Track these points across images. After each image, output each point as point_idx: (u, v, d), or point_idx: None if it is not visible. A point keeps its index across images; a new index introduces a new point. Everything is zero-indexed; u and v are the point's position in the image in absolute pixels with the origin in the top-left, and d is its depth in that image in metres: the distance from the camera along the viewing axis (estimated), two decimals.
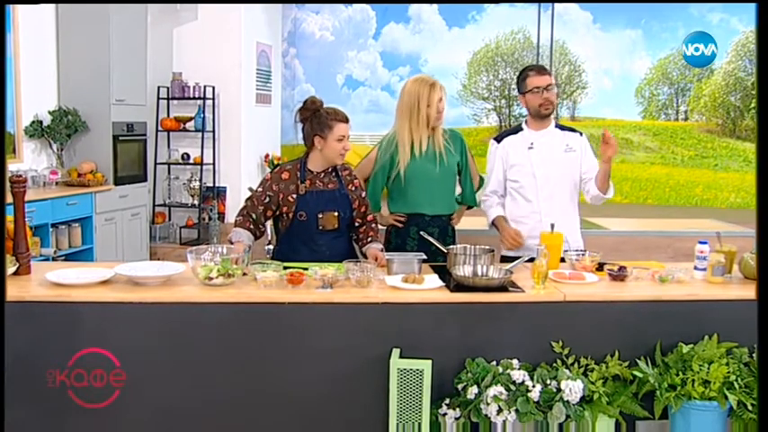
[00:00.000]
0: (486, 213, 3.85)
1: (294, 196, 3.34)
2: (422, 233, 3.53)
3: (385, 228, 3.78)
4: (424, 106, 3.57)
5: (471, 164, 3.89)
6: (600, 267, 3.20)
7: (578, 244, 3.65)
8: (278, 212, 3.39)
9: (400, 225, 3.70)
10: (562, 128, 3.77)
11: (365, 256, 3.40)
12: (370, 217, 3.52)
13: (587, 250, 3.38)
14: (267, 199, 3.36)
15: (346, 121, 3.34)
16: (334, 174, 3.43)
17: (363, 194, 3.50)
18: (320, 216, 3.34)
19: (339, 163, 3.40)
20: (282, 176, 3.37)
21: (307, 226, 3.35)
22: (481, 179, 4.01)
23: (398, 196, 3.72)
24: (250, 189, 3.63)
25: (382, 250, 3.39)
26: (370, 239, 3.47)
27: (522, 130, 3.75)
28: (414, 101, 3.59)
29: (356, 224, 3.50)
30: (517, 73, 3.78)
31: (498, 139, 3.82)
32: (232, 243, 3.23)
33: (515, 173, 3.71)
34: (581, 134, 3.76)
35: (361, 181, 3.62)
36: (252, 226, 3.36)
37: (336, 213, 3.37)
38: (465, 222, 4.96)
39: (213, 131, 7.88)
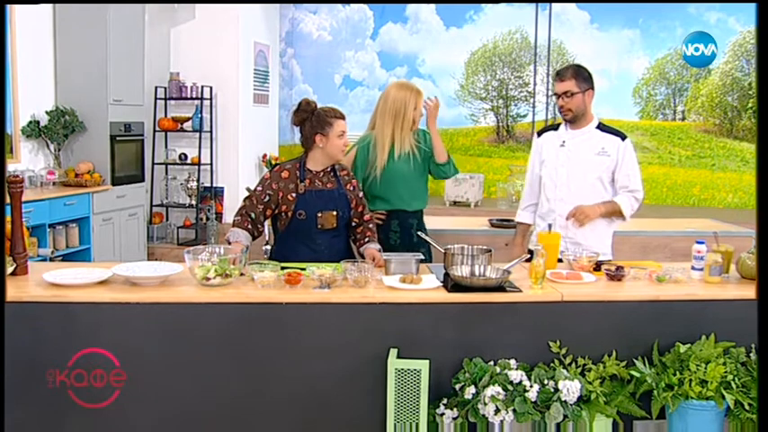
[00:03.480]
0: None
1: (294, 195, 3.35)
2: (419, 233, 3.57)
3: None
4: (410, 111, 3.70)
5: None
6: (597, 267, 3.20)
7: (600, 250, 3.46)
8: (277, 211, 3.40)
9: (380, 222, 3.79)
10: (604, 129, 3.68)
11: (362, 256, 3.42)
12: (367, 217, 3.54)
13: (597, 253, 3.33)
14: (267, 198, 3.37)
15: (344, 117, 3.40)
16: (332, 173, 3.46)
17: (360, 195, 3.52)
18: (319, 215, 3.36)
19: (341, 158, 3.44)
20: (282, 175, 3.39)
21: (306, 225, 3.37)
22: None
23: (377, 196, 3.82)
24: (248, 189, 3.65)
25: (380, 250, 3.40)
26: (367, 240, 3.48)
27: (561, 126, 3.74)
28: (400, 106, 3.70)
29: (353, 224, 3.51)
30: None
31: (539, 133, 3.86)
32: (230, 243, 3.23)
33: (544, 169, 3.74)
34: (623, 138, 3.65)
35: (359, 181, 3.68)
36: (250, 226, 3.36)
37: (335, 213, 3.38)
38: (462, 222, 4.97)
39: (211, 131, 7.88)
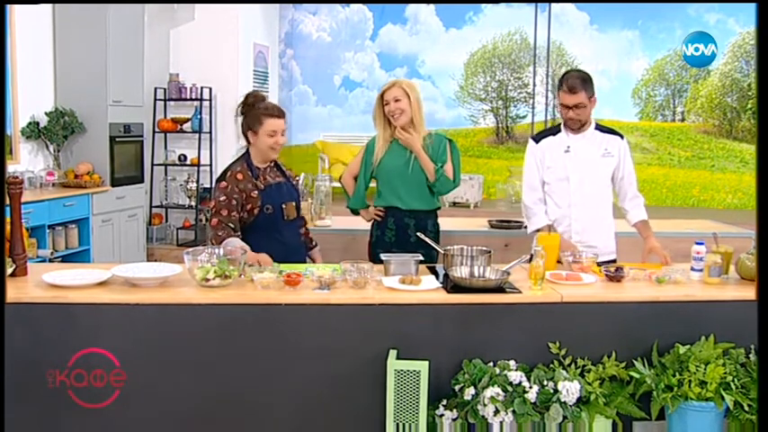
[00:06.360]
0: (528, 221, 3.76)
1: (256, 192, 3.37)
2: (419, 234, 3.57)
3: (370, 222, 4.00)
4: (379, 106, 3.83)
5: (448, 164, 3.89)
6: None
7: (611, 250, 3.59)
8: (243, 213, 3.38)
9: (379, 218, 3.90)
10: (602, 130, 3.68)
11: (312, 260, 3.62)
12: (302, 213, 3.66)
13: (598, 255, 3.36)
14: (235, 202, 3.33)
15: (279, 116, 3.40)
16: (276, 168, 3.52)
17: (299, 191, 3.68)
18: (284, 206, 3.43)
19: (273, 157, 3.46)
20: (238, 177, 3.37)
21: (273, 218, 3.40)
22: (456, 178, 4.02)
23: (377, 192, 3.95)
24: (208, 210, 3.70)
25: (319, 251, 3.69)
26: (314, 244, 3.71)
27: (560, 131, 3.69)
28: (375, 105, 3.90)
29: None
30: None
31: (537, 139, 3.77)
32: None
33: (549, 175, 3.69)
34: (622, 137, 3.70)
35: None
36: (236, 234, 3.33)
37: (294, 203, 3.50)
38: (462, 223, 4.96)
39: (210, 132, 7.88)
